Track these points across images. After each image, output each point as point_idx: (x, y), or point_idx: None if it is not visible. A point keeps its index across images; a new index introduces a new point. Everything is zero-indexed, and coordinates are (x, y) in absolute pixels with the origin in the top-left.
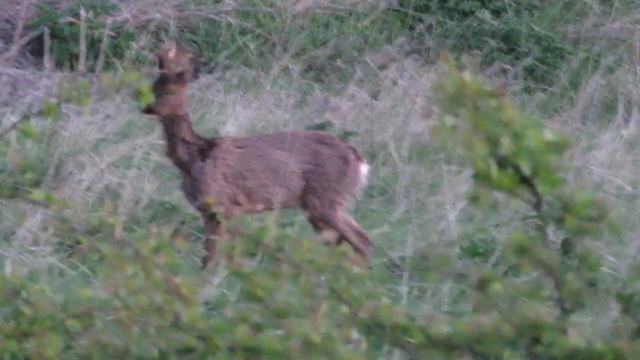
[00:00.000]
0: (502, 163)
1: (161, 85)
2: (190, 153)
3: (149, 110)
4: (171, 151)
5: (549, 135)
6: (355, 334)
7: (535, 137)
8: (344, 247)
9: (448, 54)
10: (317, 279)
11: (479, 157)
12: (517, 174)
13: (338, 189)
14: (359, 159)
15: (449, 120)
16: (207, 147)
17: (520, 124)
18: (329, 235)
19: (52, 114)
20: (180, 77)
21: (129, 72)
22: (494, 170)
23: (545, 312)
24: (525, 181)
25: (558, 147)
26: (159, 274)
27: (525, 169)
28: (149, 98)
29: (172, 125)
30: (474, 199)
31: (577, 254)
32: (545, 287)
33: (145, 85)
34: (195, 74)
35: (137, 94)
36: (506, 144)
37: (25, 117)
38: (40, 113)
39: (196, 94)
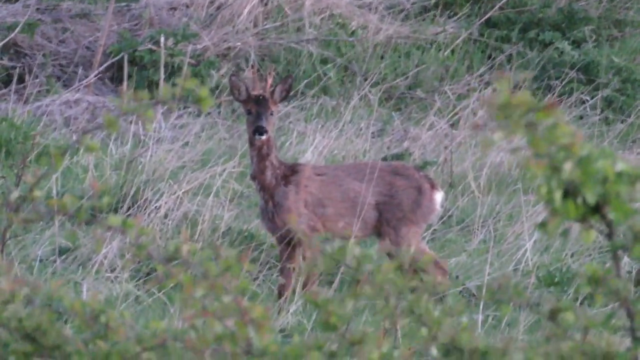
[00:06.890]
0: (571, 191)
1: (266, 106)
2: (275, 177)
3: (262, 130)
4: (260, 174)
5: (621, 165)
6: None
7: (606, 167)
8: (428, 256)
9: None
10: (397, 300)
11: (542, 184)
12: (586, 204)
13: (413, 218)
14: (433, 187)
15: (499, 136)
16: (289, 172)
17: (587, 150)
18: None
19: (112, 127)
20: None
21: (187, 80)
22: (557, 198)
23: (617, 341)
24: (598, 210)
25: (631, 178)
26: (228, 298)
27: (591, 199)
28: (210, 103)
29: (266, 147)
30: (541, 226)
31: None
32: (618, 316)
33: (205, 91)
34: (287, 95)
35: (197, 101)
36: (568, 170)
37: (85, 132)
38: (100, 127)
39: (276, 122)
